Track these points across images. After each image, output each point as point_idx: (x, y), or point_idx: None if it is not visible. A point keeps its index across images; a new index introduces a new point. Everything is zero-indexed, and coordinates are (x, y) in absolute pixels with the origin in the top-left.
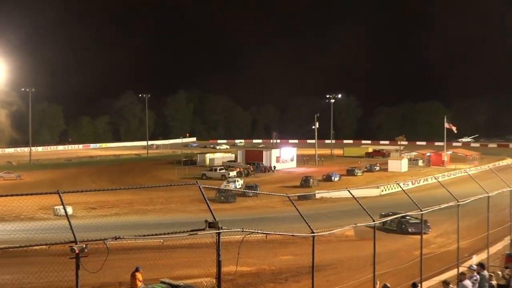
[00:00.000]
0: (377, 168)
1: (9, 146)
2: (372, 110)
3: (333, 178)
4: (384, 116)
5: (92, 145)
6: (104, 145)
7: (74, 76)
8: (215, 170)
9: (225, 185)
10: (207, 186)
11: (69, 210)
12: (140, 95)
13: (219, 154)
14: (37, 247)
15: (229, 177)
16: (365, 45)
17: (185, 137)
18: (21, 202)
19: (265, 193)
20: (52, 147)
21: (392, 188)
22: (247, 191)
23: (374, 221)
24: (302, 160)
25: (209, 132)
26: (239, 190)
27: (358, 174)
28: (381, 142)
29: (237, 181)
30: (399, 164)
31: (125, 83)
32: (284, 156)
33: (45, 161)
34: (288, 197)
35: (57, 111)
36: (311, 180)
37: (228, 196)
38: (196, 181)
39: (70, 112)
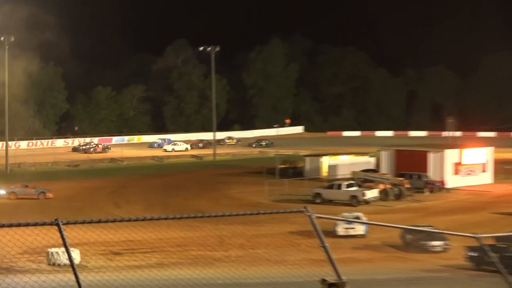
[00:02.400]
0: None
1: None
2: None
3: None
4: None
5: (115, 139)
6: (136, 138)
7: (81, 23)
8: (339, 187)
9: (356, 216)
10: (323, 216)
11: (76, 256)
12: (200, 49)
13: (346, 158)
14: None
15: (365, 200)
16: None
17: (282, 125)
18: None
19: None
20: (44, 141)
21: None
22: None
23: None
24: (503, 170)
25: (327, 117)
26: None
27: None
28: None
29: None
30: None
31: (172, 29)
32: (468, 161)
33: (33, 167)
34: None
35: (55, 79)
36: None
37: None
38: (305, 207)
39: (77, 82)
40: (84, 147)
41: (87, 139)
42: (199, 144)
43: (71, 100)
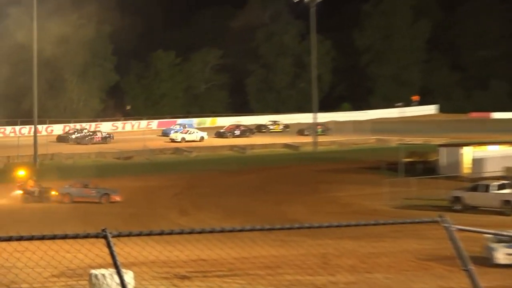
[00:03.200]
0: None
1: None
2: None
3: None
4: None
5: (187, 123)
6: (209, 121)
7: None
8: (487, 188)
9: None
10: (468, 228)
11: (129, 279)
12: None
13: (497, 149)
14: None
15: None
16: None
17: (407, 103)
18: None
19: None
20: (86, 125)
21: None
22: None
23: None
24: None
25: (470, 92)
26: None
27: None
28: None
29: None
30: None
31: None
32: None
33: (70, 160)
34: None
35: (99, 42)
36: None
37: None
38: (440, 216)
39: (129, 45)
40: (76, 135)
41: (135, 122)
42: (235, 131)
43: (122, 69)
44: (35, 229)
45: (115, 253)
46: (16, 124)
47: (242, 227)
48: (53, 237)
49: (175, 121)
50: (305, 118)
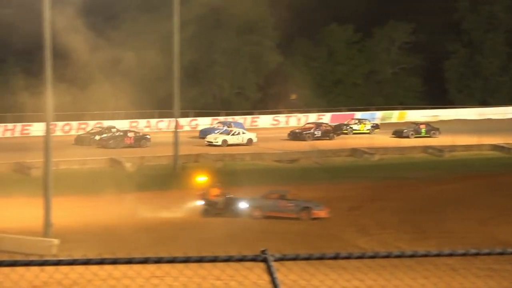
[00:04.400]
0: None
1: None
2: None
3: None
4: None
5: (359, 116)
6: (396, 115)
7: None
8: None
9: None
10: None
11: None
12: None
13: None
14: None
15: None
16: None
17: None
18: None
19: None
20: (239, 118)
21: None
22: None
23: None
24: None
25: None
26: None
27: None
28: None
29: None
30: None
31: None
32: None
33: (220, 162)
34: None
35: (255, 13)
36: None
37: None
38: None
39: (294, 17)
40: (101, 136)
41: (301, 116)
42: (315, 132)
43: (285, 49)
44: (191, 249)
45: (277, 281)
46: (152, 117)
47: (439, 251)
48: (199, 260)
49: (353, 114)
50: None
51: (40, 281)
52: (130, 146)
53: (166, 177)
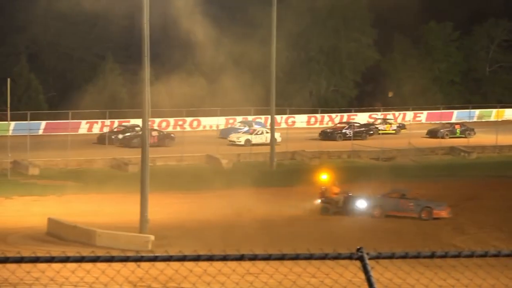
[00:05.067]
0: None
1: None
2: None
3: None
4: None
5: (457, 115)
6: (494, 113)
7: None
8: None
9: None
10: None
11: None
12: None
13: None
14: None
15: None
16: None
17: None
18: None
19: None
20: (335, 116)
21: None
22: None
23: None
24: None
25: None
26: None
27: None
28: None
29: None
30: None
31: None
32: None
33: (316, 159)
34: None
35: (353, 8)
36: None
37: None
38: None
39: (390, 15)
40: (124, 135)
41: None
42: (347, 132)
43: (383, 46)
44: (301, 246)
45: (372, 279)
46: (248, 114)
47: None
48: (295, 258)
49: (452, 113)
50: None
51: (135, 276)
52: (153, 145)
53: (262, 174)
